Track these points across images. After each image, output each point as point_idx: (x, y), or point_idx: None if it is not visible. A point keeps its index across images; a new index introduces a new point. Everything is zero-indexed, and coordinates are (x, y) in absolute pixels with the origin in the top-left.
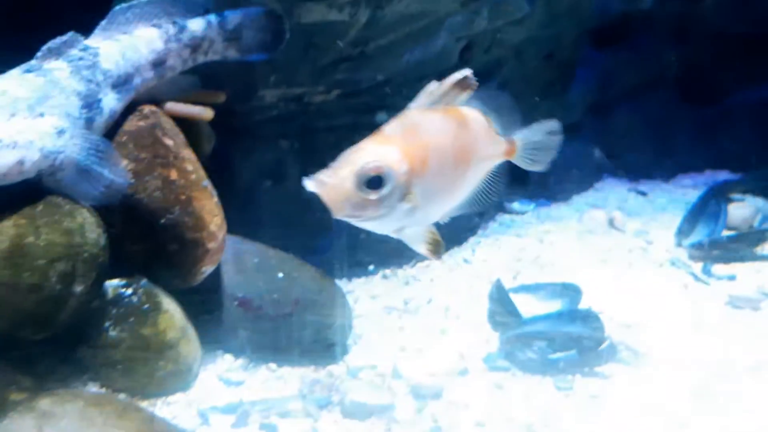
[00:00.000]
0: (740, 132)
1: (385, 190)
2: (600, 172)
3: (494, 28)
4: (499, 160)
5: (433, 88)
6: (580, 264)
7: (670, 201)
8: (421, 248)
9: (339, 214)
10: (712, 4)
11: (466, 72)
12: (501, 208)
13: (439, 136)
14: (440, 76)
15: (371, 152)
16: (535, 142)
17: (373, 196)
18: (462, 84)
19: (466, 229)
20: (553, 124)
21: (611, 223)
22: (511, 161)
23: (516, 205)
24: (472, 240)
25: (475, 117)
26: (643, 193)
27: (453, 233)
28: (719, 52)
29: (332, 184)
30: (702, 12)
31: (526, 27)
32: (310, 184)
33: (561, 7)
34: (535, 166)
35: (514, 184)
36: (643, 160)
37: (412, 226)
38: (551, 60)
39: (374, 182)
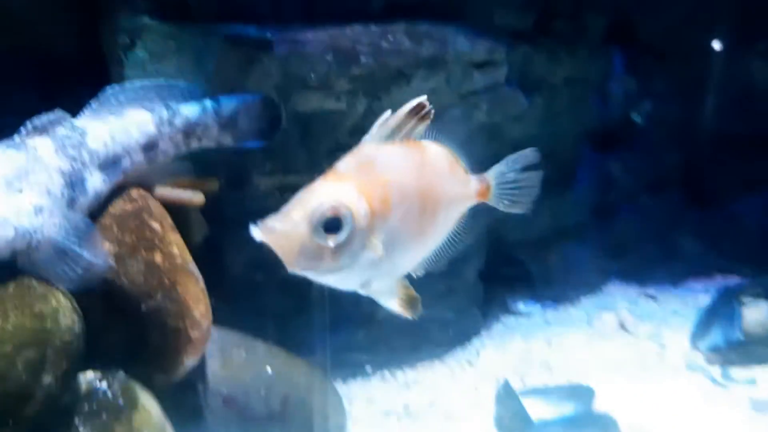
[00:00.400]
0: (748, 235)
1: (343, 235)
2: (607, 275)
3: (493, 122)
4: (471, 202)
5: (386, 117)
6: (591, 367)
7: (681, 305)
8: (393, 305)
9: (293, 266)
10: (713, 106)
11: (422, 98)
12: (505, 309)
13: (400, 172)
14: None
15: (325, 192)
16: (513, 179)
17: (331, 242)
18: (418, 113)
19: (469, 331)
20: (530, 155)
21: (622, 326)
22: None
23: (522, 307)
24: (476, 342)
25: (439, 152)
26: (653, 297)
27: (455, 335)
28: (723, 154)
29: (283, 230)
30: (704, 114)
31: (525, 124)
32: (257, 232)
33: (560, 106)
34: (515, 207)
35: (518, 283)
36: (651, 263)
37: (379, 279)
38: (552, 159)
39: (331, 226)
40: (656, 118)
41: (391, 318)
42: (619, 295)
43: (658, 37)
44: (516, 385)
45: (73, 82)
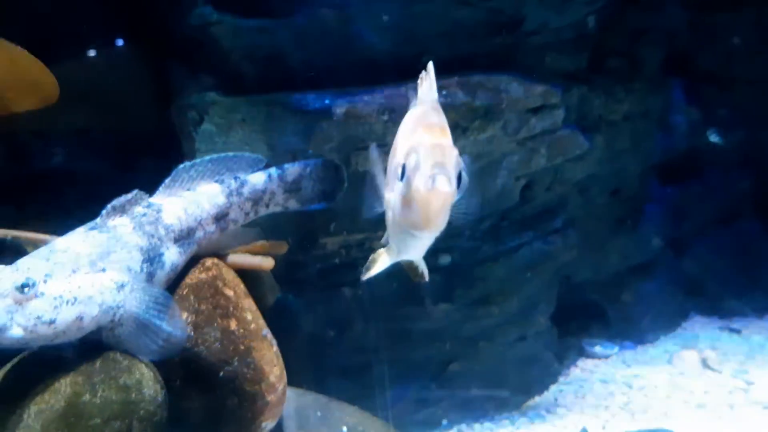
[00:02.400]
0: None
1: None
2: (686, 310)
3: (554, 165)
4: None
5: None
6: (674, 409)
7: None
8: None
9: (439, 225)
10: None
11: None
12: (582, 353)
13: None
14: (501, 215)
15: (449, 147)
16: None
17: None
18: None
19: (546, 376)
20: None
21: (705, 363)
22: None
23: (598, 349)
24: (553, 388)
25: None
26: (737, 331)
27: (531, 383)
28: None
29: (450, 190)
30: None
31: (587, 163)
32: (440, 182)
33: (622, 144)
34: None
35: (593, 325)
36: (732, 295)
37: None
38: (618, 196)
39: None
40: (723, 147)
41: (465, 370)
42: (700, 330)
43: (719, 65)
44: None
45: (151, 156)
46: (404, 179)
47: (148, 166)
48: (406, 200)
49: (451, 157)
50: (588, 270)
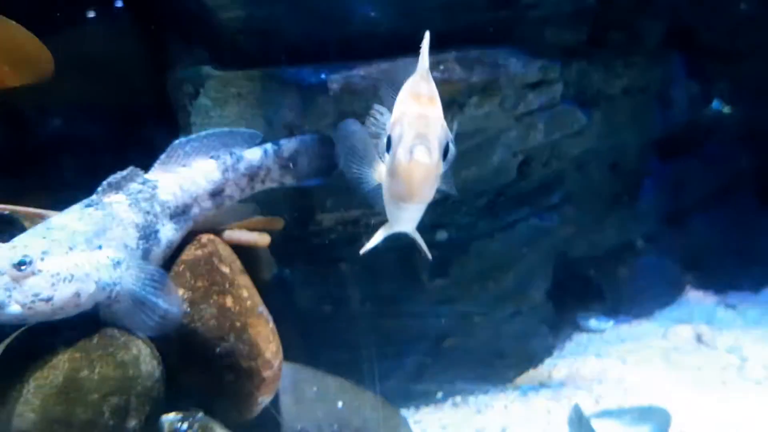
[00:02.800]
0: None
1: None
2: (682, 285)
3: (552, 141)
4: None
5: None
6: (668, 385)
7: (763, 313)
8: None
9: (426, 197)
10: None
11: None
12: (577, 327)
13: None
14: (498, 191)
15: (439, 118)
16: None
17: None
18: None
19: (540, 350)
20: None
21: (699, 339)
22: None
23: (593, 323)
24: (547, 362)
25: None
26: (732, 306)
27: (526, 356)
28: None
29: (432, 162)
30: None
31: (585, 138)
32: (419, 154)
33: (621, 118)
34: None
35: (589, 299)
36: (728, 270)
37: None
38: (616, 171)
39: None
40: (723, 121)
41: (460, 344)
42: (695, 305)
43: (720, 39)
44: (590, 407)
45: (145, 128)
46: (390, 151)
47: (145, 137)
48: (392, 172)
49: (435, 128)
50: (585, 245)
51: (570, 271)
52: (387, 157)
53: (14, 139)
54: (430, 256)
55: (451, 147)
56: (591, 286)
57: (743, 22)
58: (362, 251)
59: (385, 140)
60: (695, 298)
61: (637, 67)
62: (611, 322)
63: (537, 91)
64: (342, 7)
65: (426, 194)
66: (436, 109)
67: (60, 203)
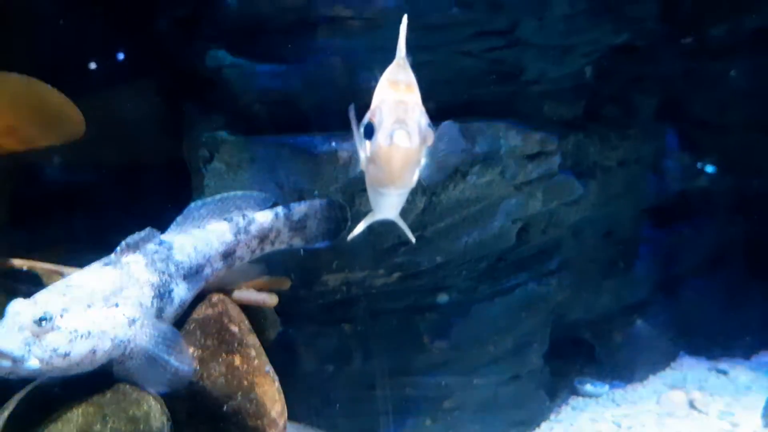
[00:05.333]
0: None
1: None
2: (675, 350)
3: (550, 209)
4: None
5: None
6: None
7: (754, 379)
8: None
9: (407, 182)
10: None
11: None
12: (573, 391)
13: None
14: (498, 256)
15: (417, 104)
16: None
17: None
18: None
19: (537, 414)
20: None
21: (692, 404)
22: None
23: (589, 387)
24: (544, 426)
25: None
26: (724, 372)
27: (523, 420)
28: None
29: (412, 146)
30: (762, 184)
31: (582, 207)
32: (401, 138)
33: (616, 188)
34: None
35: (585, 364)
36: (720, 336)
37: None
38: (611, 238)
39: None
40: (714, 191)
41: (459, 406)
42: (688, 370)
43: (711, 112)
44: None
45: (162, 187)
46: (370, 138)
47: (161, 196)
48: (372, 158)
49: (414, 113)
50: (581, 309)
51: (567, 335)
52: (367, 144)
53: (31, 192)
54: (413, 239)
55: (431, 131)
56: (587, 351)
57: (731, 97)
58: (349, 238)
59: (363, 128)
60: (688, 363)
61: (632, 139)
62: (607, 387)
63: (536, 162)
64: (351, 80)
65: (407, 179)
66: (414, 95)
67: (77, 257)
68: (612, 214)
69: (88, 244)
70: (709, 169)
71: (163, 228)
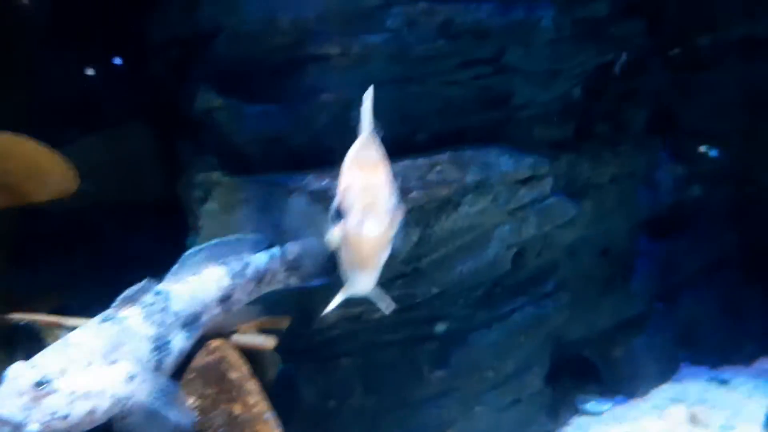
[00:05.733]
0: None
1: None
2: (676, 362)
3: (544, 232)
4: None
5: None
6: None
7: (755, 387)
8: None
9: (377, 265)
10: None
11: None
12: (576, 410)
13: None
14: (494, 282)
15: (387, 189)
16: None
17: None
18: None
19: None
20: None
21: (693, 419)
22: None
23: (591, 405)
24: None
25: None
26: (725, 381)
27: None
28: None
29: (381, 232)
30: (757, 191)
31: (576, 227)
32: (371, 228)
33: (610, 204)
34: None
35: (586, 381)
36: (720, 345)
37: None
38: (607, 255)
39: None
40: (709, 200)
41: None
42: (689, 382)
43: (702, 122)
44: None
45: (158, 227)
46: (340, 220)
47: (158, 234)
48: (344, 242)
49: (382, 196)
50: (580, 328)
51: (567, 354)
52: (338, 226)
53: (28, 234)
54: (389, 310)
55: (400, 208)
56: (588, 368)
57: (721, 106)
58: (325, 312)
59: (333, 210)
60: (689, 374)
61: (624, 154)
62: (609, 404)
63: (528, 186)
64: (344, 116)
65: (377, 262)
66: (382, 175)
67: (78, 296)
68: (607, 230)
69: (88, 282)
70: (713, 153)
71: (161, 267)
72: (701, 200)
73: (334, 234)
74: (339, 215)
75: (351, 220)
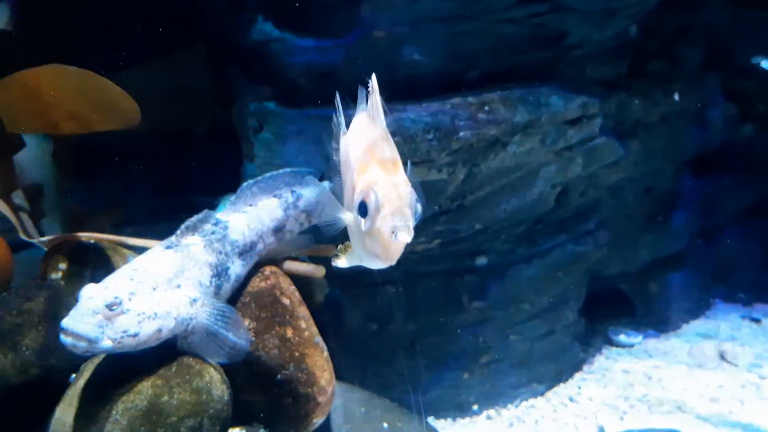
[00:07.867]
0: None
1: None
2: (710, 299)
3: (589, 172)
4: None
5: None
6: (689, 402)
7: None
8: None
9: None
10: None
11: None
12: (608, 341)
13: None
14: (536, 219)
15: (407, 187)
16: None
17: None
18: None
19: (571, 366)
20: None
21: (722, 356)
22: None
23: (623, 338)
24: (577, 376)
25: None
26: (757, 320)
27: (557, 372)
28: None
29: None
30: None
31: (622, 168)
32: (402, 236)
33: (658, 144)
34: None
35: (620, 315)
36: (756, 283)
37: None
38: (650, 194)
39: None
40: (759, 141)
41: (496, 360)
42: (722, 319)
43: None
44: (615, 425)
45: (213, 153)
46: (367, 217)
47: (212, 161)
48: (369, 234)
49: (406, 197)
50: (618, 264)
51: (604, 289)
52: (360, 219)
53: (95, 157)
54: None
55: (419, 207)
56: (622, 301)
57: None
58: (334, 264)
59: (352, 201)
60: (723, 311)
61: (676, 93)
62: (640, 337)
63: (577, 127)
64: (395, 52)
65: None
66: (401, 173)
67: (134, 216)
68: (653, 170)
69: (144, 204)
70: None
71: (215, 192)
72: (751, 140)
73: (351, 220)
74: (363, 212)
75: (382, 225)
